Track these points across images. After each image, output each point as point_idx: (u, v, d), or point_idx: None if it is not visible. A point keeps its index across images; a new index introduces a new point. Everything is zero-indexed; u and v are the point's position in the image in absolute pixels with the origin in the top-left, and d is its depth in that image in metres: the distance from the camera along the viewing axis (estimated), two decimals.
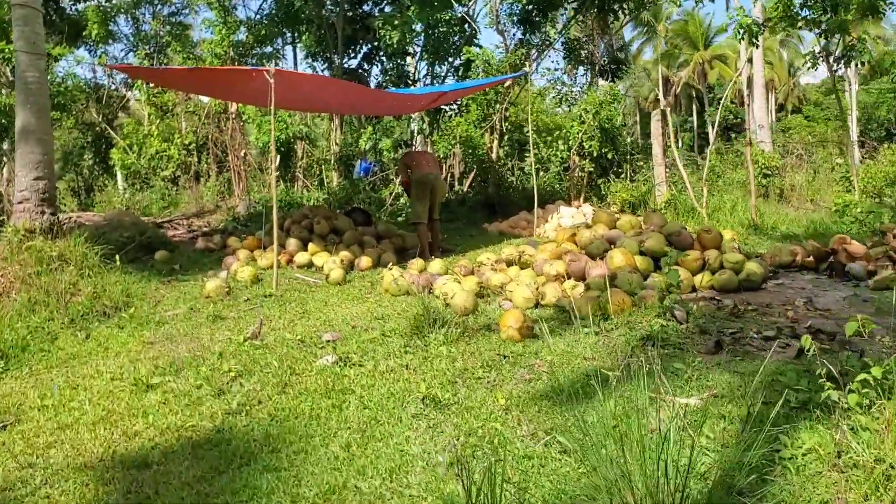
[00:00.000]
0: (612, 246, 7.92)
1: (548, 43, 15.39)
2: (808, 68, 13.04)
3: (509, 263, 8.49)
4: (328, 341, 5.95)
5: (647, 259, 7.63)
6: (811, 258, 8.79)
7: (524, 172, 15.73)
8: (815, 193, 19.42)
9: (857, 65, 13.60)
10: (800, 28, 11.90)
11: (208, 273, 9.27)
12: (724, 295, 7.43)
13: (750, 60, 25.07)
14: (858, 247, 8.45)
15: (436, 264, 8.89)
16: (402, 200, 15.16)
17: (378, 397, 4.60)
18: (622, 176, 14.24)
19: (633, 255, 7.46)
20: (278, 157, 15.08)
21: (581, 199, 14.32)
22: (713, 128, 20.53)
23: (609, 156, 14.08)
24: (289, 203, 14.72)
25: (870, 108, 37.89)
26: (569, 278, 7.49)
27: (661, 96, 22.90)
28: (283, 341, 5.98)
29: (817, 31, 11.69)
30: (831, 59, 12.33)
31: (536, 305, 7.06)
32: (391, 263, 8.94)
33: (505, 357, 5.35)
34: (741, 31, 11.67)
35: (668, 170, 13.30)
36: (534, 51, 15.68)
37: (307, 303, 7.64)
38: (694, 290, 7.59)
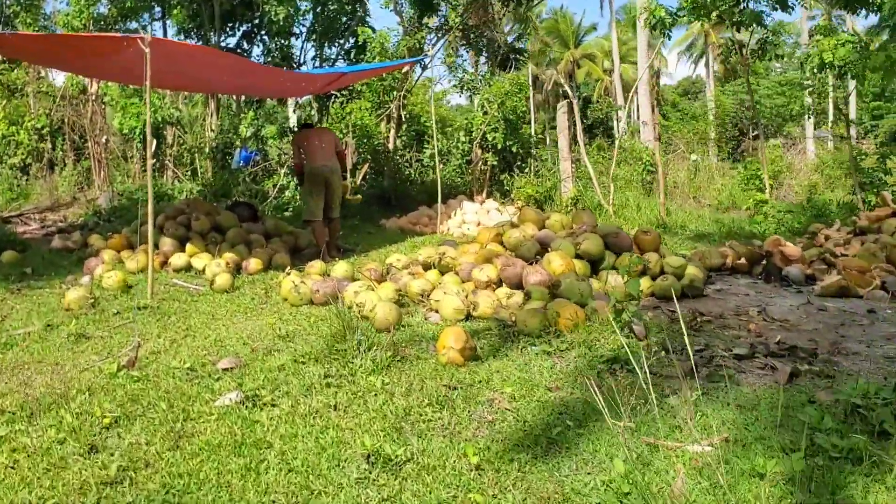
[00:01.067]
0: (546, 248, 7.09)
1: (447, 27, 14.44)
2: (722, 61, 12.73)
3: (426, 267, 7.50)
4: (225, 370, 4.75)
5: (585, 263, 6.84)
6: (743, 261, 8.31)
7: (423, 165, 14.74)
8: (696, 191, 19.59)
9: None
10: (710, 20, 11.53)
11: (67, 279, 7.76)
12: (667, 303, 6.76)
13: (649, 46, 25.10)
14: (794, 249, 8.03)
15: (340, 267, 7.76)
16: (287, 193, 13.82)
17: (305, 453, 3.49)
18: (526, 170, 13.51)
19: (571, 258, 6.64)
20: (154, 141, 13.39)
21: (484, 194, 13.48)
22: (618, 124, 20.29)
23: (514, 149, 13.30)
24: (157, 196, 13.07)
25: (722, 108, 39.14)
26: (501, 285, 6.59)
27: (568, 89, 22.44)
28: (169, 371, 4.72)
29: (729, 22, 11.33)
30: (745, 52, 12.06)
31: (467, 318, 6.11)
32: (288, 267, 7.74)
33: (454, 389, 4.35)
34: (653, 20, 11.16)
35: (573, 164, 12.68)
36: (432, 35, 14.69)
37: (191, 316, 6.35)
38: (632, 298, 6.88)
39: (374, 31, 14.47)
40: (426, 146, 14.69)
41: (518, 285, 6.41)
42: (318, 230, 9.27)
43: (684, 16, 11.54)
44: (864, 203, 11.13)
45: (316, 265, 8.07)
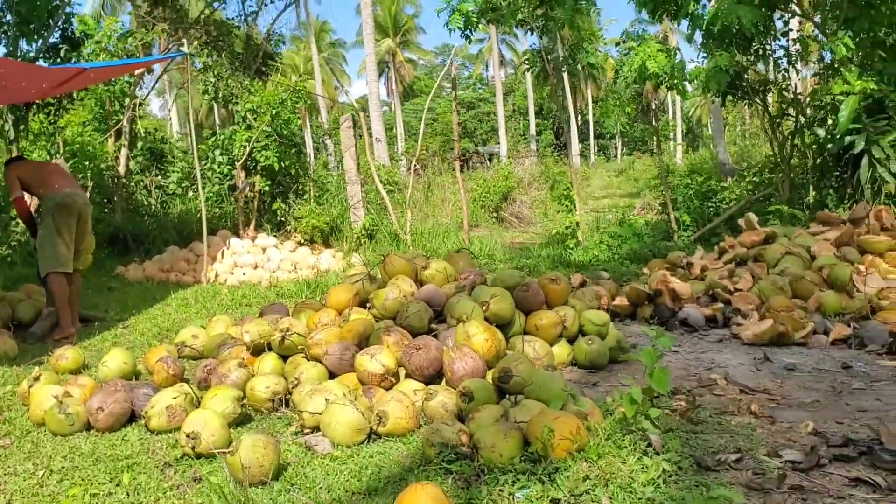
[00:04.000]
0: (438, 313, 5.09)
1: (188, 22, 11.62)
2: (528, 69, 11.61)
3: (257, 350, 5.11)
4: None
5: (496, 333, 4.95)
6: (626, 302, 7.01)
7: (167, 193, 11.71)
8: (433, 209, 18.88)
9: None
10: (507, 23, 10.31)
11: None
12: (595, 373, 5.15)
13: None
14: (683, 286, 6.88)
15: (114, 359, 5.07)
16: None
17: None
18: (305, 197, 11.19)
19: (490, 328, 4.71)
20: None
21: (252, 228, 10.92)
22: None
23: (292, 171, 10.92)
24: None
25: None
26: (398, 377, 4.48)
27: (346, 95, 20.25)
28: None
29: (528, 28, 10.20)
30: (549, 58, 10.99)
31: (369, 438, 3.94)
32: (39, 365, 4.90)
33: None
34: (461, 18, 9.64)
35: (363, 188, 10.72)
36: (170, 27, 11.72)
37: None
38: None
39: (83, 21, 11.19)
40: (171, 169, 11.70)
41: (436, 376, 4.35)
42: (60, 289, 6.30)
43: (477, 19, 10.18)
44: (678, 223, 10.61)
45: (69, 355, 5.28)
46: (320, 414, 4.00)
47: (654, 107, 11.35)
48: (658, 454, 3.58)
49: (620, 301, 7.07)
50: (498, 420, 3.76)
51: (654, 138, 11.78)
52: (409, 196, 11.00)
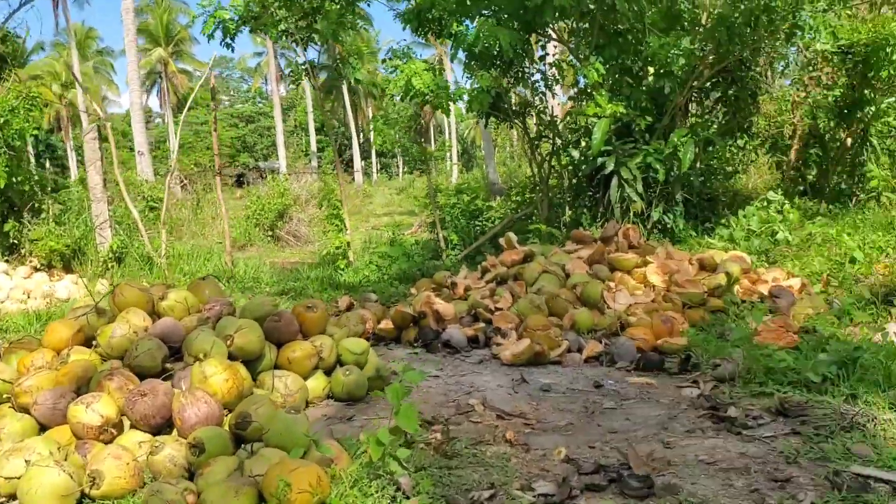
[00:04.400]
0: (176, 350, 4.54)
1: None
2: (292, 81, 11.07)
3: None
4: None
5: (240, 370, 4.49)
6: (391, 325, 6.81)
7: None
8: (203, 227, 18.11)
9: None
10: (270, 34, 9.82)
11: None
12: (353, 405, 4.87)
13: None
14: (446, 307, 6.81)
15: None
16: None
17: None
18: (43, 216, 9.90)
19: (232, 365, 4.25)
20: None
21: None
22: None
23: (26, 187, 9.60)
24: None
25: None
26: (122, 428, 3.90)
27: (82, 106, 18.27)
28: None
29: (293, 40, 9.82)
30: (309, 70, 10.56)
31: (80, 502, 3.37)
32: None
33: None
34: (216, 24, 9.01)
35: (110, 206, 9.71)
36: None
37: None
38: (307, 404, 4.83)
39: None
40: None
41: (164, 425, 3.82)
42: None
43: (236, 27, 9.62)
44: (446, 242, 10.67)
45: None
46: (18, 479, 3.35)
47: (431, 127, 11.39)
48: (408, 498, 3.35)
49: (386, 324, 6.87)
50: (231, 474, 3.34)
51: (423, 157, 11.85)
52: (163, 213, 10.13)
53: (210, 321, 4.85)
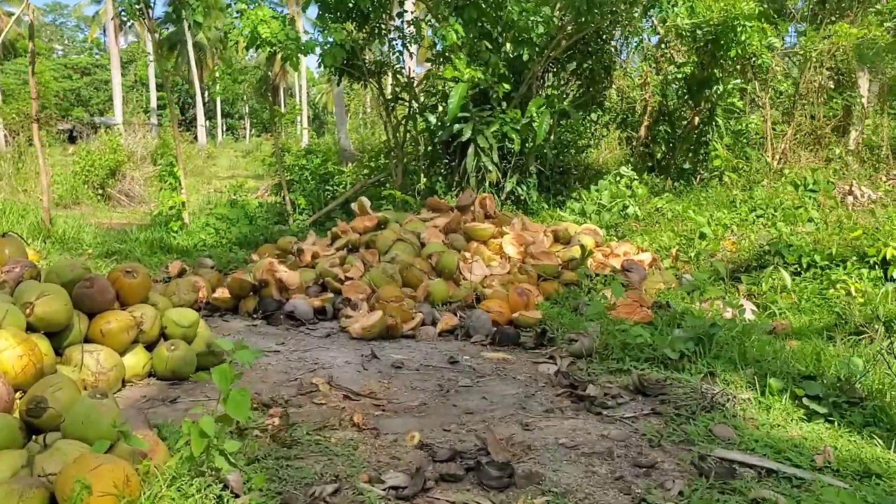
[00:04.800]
0: None
1: None
2: (123, 20, 9.91)
3: None
4: None
5: (44, 340, 3.79)
6: (227, 294, 6.18)
7: None
8: (24, 182, 16.66)
9: None
10: None
11: None
12: (179, 384, 4.28)
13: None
14: (291, 276, 6.26)
15: None
16: None
17: None
18: None
19: (29, 338, 3.55)
20: None
21: None
22: None
23: None
24: None
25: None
26: None
27: None
28: None
29: None
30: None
31: None
32: None
33: None
34: None
35: None
36: None
37: None
38: (123, 384, 4.19)
39: None
40: None
41: None
42: None
43: None
44: (293, 206, 10.02)
45: None
46: None
47: (281, 90, 10.64)
48: (237, 496, 2.86)
49: (222, 293, 6.24)
50: (17, 473, 2.72)
51: (272, 118, 11.07)
52: None
53: (7, 286, 4.08)
